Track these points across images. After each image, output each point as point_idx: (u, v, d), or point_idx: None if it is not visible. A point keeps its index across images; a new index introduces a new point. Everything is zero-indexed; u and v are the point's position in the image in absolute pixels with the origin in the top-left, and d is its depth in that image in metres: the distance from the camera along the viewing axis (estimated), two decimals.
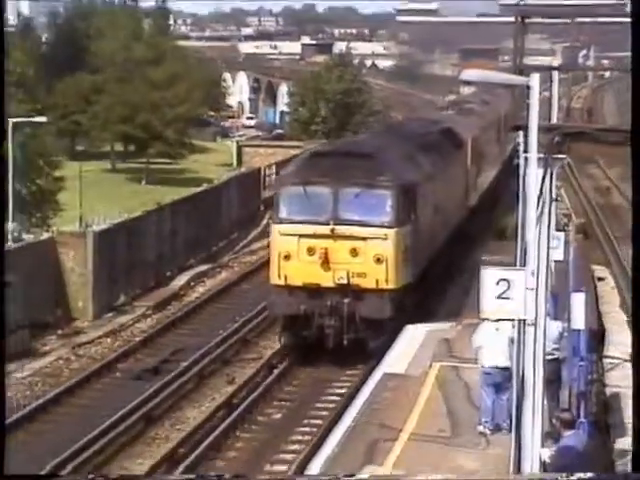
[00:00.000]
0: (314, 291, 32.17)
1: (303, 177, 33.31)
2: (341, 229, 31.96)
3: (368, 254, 31.88)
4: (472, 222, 50.99)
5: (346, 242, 32.00)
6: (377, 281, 31.73)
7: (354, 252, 31.90)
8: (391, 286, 31.87)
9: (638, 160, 10.60)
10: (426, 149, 41.59)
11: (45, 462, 27.80)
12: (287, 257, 32.41)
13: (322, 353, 34.29)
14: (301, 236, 32.31)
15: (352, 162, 33.53)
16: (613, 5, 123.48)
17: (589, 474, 17.39)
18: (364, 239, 31.95)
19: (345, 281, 31.72)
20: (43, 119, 69.10)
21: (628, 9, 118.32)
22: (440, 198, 41.15)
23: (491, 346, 24.46)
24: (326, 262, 31.73)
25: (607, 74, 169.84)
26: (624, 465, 25.05)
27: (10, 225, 64.82)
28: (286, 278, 32.32)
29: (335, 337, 31.77)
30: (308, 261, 32.21)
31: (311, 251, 32.09)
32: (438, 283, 42.57)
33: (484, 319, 22.20)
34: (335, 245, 31.99)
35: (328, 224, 32.00)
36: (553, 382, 23.57)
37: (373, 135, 52.29)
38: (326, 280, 32.01)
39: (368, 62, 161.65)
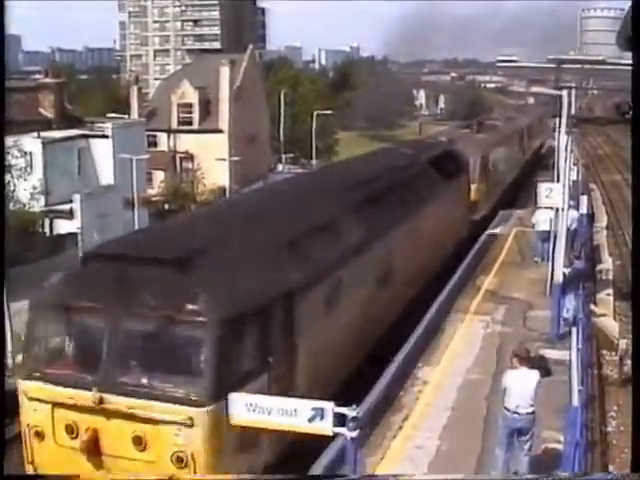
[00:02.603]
0: None
1: (64, 297, 9.62)
2: (115, 400, 8.92)
3: (162, 448, 8.80)
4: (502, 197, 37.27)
5: (125, 423, 8.91)
6: None
7: (139, 442, 8.87)
8: None
9: (638, 159, 7.81)
10: (386, 195, 17.81)
11: None
12: (39, 435, 9.44)
13: None
14: (55, 405, 9.26)
15: (148, 272, 9.33)
16: (601, 60, 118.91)
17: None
18: (155, 422, 8.81)
19: None
20: (329, 112, 69.61)
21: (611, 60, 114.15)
22: (423, 232, 20.27)
23: (542, 221, 24.08)
24: (95, 453, 9.02)
25: (595, 92, 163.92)
26: (601, 275, 24.68)
27: (314, 161, 65.50)
28: (36, 469, 9.49)
29: None
30: (70, 446, 9.22)
31: (72, 431, 9.20)
32: (514, 198, 38.80)
33: (538, 208, 21.92)
34: (109, 425, 9.00)
35: (92, 389, 8.99)
36: (571, 238, 23.24)
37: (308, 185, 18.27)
38: None
39: (483, 85, 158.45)
